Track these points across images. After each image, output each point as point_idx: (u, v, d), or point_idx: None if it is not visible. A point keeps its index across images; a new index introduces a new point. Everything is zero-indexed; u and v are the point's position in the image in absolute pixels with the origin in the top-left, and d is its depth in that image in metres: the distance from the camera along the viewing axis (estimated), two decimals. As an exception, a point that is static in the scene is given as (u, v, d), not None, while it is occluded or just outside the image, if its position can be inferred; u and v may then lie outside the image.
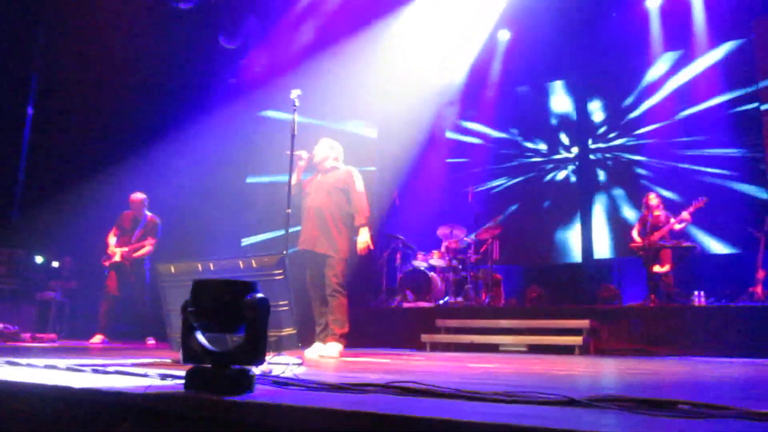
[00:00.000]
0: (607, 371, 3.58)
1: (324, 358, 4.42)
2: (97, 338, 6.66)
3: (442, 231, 8.63)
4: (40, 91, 8.84)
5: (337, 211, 4.94)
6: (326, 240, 4.86)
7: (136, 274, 6.99)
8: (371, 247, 4.98)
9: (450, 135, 11.00)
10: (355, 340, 5.63)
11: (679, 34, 8.90)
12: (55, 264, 8.36)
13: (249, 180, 10.03)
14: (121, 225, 7.13)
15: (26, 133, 8.68)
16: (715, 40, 8.74)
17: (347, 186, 5.01)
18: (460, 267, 8.33)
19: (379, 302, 8.43)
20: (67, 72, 8.65)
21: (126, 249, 6.97)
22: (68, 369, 2.44)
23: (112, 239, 7.06)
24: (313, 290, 4.98)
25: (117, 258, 6.93)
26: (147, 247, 7.05)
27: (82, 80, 8.60)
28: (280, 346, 3.02)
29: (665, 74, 9.23)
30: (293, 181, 4.78)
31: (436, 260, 8.38)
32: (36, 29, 8.79)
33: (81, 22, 8.43)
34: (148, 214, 7.21)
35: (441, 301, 8.00)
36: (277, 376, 2.16)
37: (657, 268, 7.19)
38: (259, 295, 1.87)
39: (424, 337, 6.80)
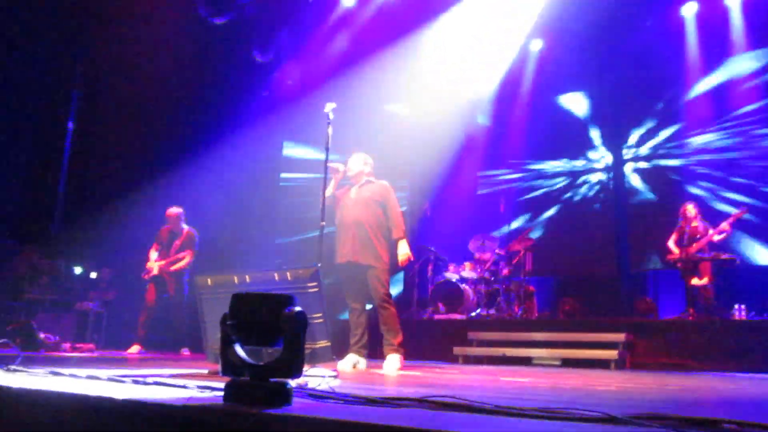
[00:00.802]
0: (645, 387, 3.51)
1: (389, 371, 4.47)
2: (134, 348, 6.78)
3: (473, 243, 8.59)
4: (80, 107, 9.09)
5: (375, 223, 4.98)
6: (369, 251, 4.89)
7: (175, 286, 7.11)
8: (412, 258, 5.05)
9: (481, 144, 10.94)
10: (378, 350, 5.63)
11: (716, 41, 8.75)
12: (94, 275, 8.55)
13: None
14: (160, 240, 7.28)
15: (67, 147, 8.93)
16: (755, 45, 8.55)
17: (384, 199, 5.07)
18: (492, 279, 8.26)
19: (410, 314, 8.41)
20: (106, 88, 8.90)
21: (164, 262, 7.10)
22: (110, 380, 2.50)
23: (153, 254, 7.21)
24: (352, 301, 5.00)
25: (155, 272, 7.07)
26: (186, 260, 7.17)
27: (120, 96, 8.83)
28: (314, 359, 3.04)
29: (703, 80, 9.06)
30: (328, 193, 4.86)
31: (467, 272, 8.34)
32: (76, 48, 9.06)
33: (119, 39, 8.67)
34: (185, 227, 7.33)
35: (473, 314, 7.94)
36: (314, 389, 2.17)
37: (695, 281, 7.04)
38: (297, 308, 1.89)
39: (456, 350, 6.75)
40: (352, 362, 4.76)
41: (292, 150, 10.07)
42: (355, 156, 5.22)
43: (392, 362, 4.67)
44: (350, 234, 4.91)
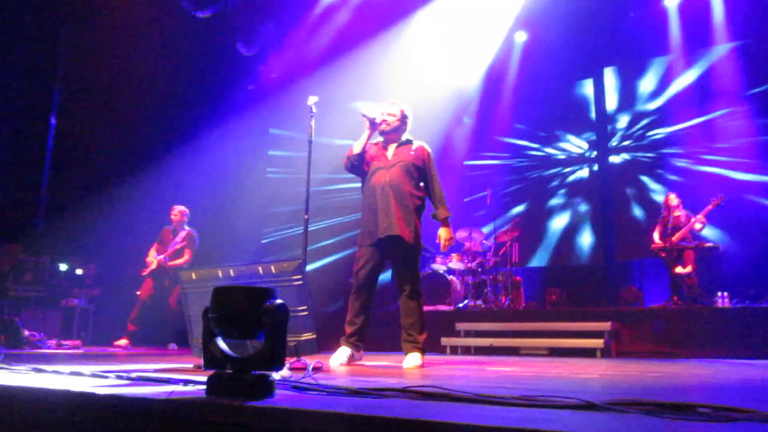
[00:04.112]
0: (628, 374, 3.55)
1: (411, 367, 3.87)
2: (123, 341, 6.77)
3: (460, 234, 8.61)
4: (62, 102, 9.00)
5: (415, 193, 4.16)
6: (410, 226, 4.06)
7: (170, 281, 7.09)
8: (454, 243, 4.26)
9: (467, 136, 10.96)
10: (373, 344, 5.63)
11: (698, 33, 8.81)
12: (79, 271, 8.49)
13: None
14: (162, 239, 7.29)
15: (50, 143, 8.85)
16: (736, 37, 8.62)
17: (425, 165, 4.21)
18: (479, 270, 8.30)
19: (398, 306, 8.42)
20: (89, 83, 8.81)
21: (162, 257, 7.09)
22: (93, 375, 2.49)
23: (152, 253, 7.21)
24: (365, 285, 4.14)
25: (154, 266, 7.07)
26: (185, 258, 7.16)
27: (103, 91, 8.75)
28: (299, 351, 3.05)
29: (685, 73, 9.13)
30: (357, 149, 4.20)
31: (455, 263, 8.37)
32: (58, 43, 8.96)
33: (101, 34, 8.59)
34: (187, 228, 7.33)
35: (460, 305, 7.98)
36: (297, 381, 2.18)
37: (679, 269, 7.12)
38: (278, 301, 1.90)
39: (444, 341, 6.79)
40: (347, 356, 4.05)
41: (277, 143, 10.03)
42: (395, 106, 4.34)
43: (414, 360, 3.97)
44: (390, 203, 4.04)
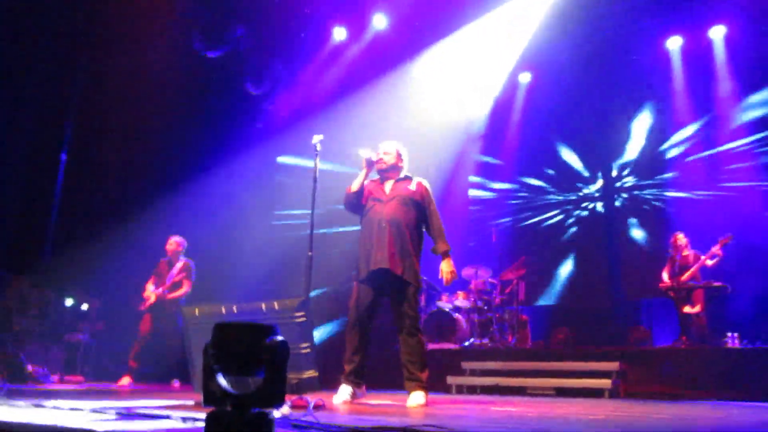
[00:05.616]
0: (635, 416, 3.49)
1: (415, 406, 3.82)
2: (125, 380, 6.71)
3: (466, 272, 8.57)
4: (73, 138, 9.14)
5: (414, 229, 4.19)
6: (407, 262, 4.07)
7: (169, 315, 7.02)
8: (457, 277, 4.26)
9: (472, 176, 11.04)
10: (378, 382, 5.57)
11: (700, 75, 8.90)
12: (85, 306, 8.49)
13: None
14: (158, 272, 7.25)
15: (59, 178, 8.95)
16: (738, 79, 8.70)
17: (425, 201, 4.26)
18: (486, 308, 8.24)
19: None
20: (100, 120, 8.96)
21: (160, 290, 7.05)
22: (93, 412, 2.48)
23: (150, 287, 7.14)
24: (360, 321, 4.08)
25: (152, 300, 7.01)
26: (183, 289, 7.12)
27: (113, 128, 8.89)
28: (301, 389, 3.02)
29: (688, 113, 9.20)
30: (355, 187, 4.26)
31: (461, 301, 8.31)
32: (70, 78, 9.15)
33: (113, 71, 8.76)
34: (183, 259, 7.30)
35: (466, 343, 7.90)
36: (297, 419, 2.16)
37: (688, 309, 7.05)
38: (279, 338, 1.89)
39: (450, 380, 6.71)
40: (349, 394, 3.98)
41: (284, 181, 10.11)
42: (390, 145, 4.43)
43: (417, 399, 3.90)
44: (386, 237, 4.05)
